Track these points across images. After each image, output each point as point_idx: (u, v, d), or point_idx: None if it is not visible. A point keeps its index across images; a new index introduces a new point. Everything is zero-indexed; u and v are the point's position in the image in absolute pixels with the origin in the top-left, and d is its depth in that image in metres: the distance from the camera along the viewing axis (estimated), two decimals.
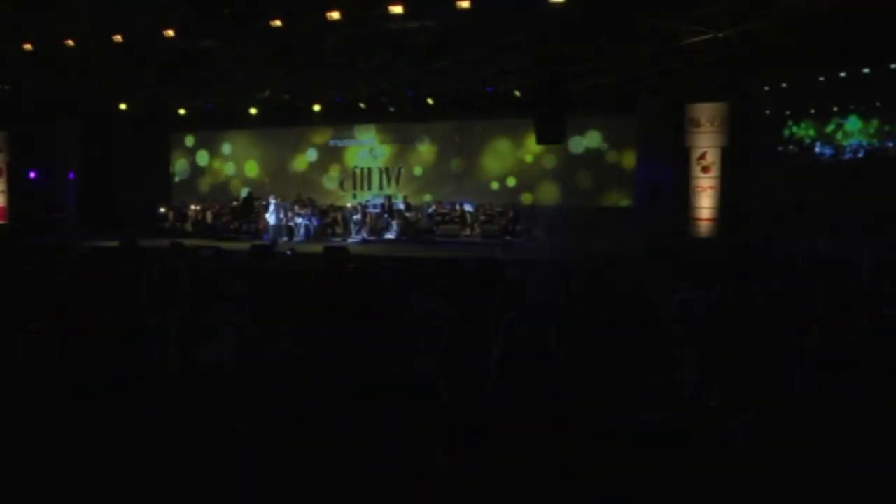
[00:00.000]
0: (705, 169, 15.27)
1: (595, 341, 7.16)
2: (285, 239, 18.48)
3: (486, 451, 4.23)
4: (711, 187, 15.28)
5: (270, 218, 18.28)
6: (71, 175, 21.11)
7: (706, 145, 15.26)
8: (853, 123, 13.19)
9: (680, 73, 14.97)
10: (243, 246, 16.36)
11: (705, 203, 15.34)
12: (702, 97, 15.25)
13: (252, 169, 22.83)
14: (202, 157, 23.45)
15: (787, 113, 14.11)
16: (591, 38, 12.50)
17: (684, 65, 14.45)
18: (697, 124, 15.25)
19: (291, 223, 19.39)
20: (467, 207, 19.36)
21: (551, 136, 11.66)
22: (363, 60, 15.19)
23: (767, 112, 14.27)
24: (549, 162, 19.32)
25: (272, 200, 18.76)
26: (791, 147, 14.06)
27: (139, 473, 3.93)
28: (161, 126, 22.17)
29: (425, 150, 20.76)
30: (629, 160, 18.31)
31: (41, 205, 20.48)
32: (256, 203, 20.43)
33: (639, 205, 16.85)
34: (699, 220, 15.47)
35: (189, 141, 23.48)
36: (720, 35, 12.85)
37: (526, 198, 19.38)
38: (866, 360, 6.08)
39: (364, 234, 19.00)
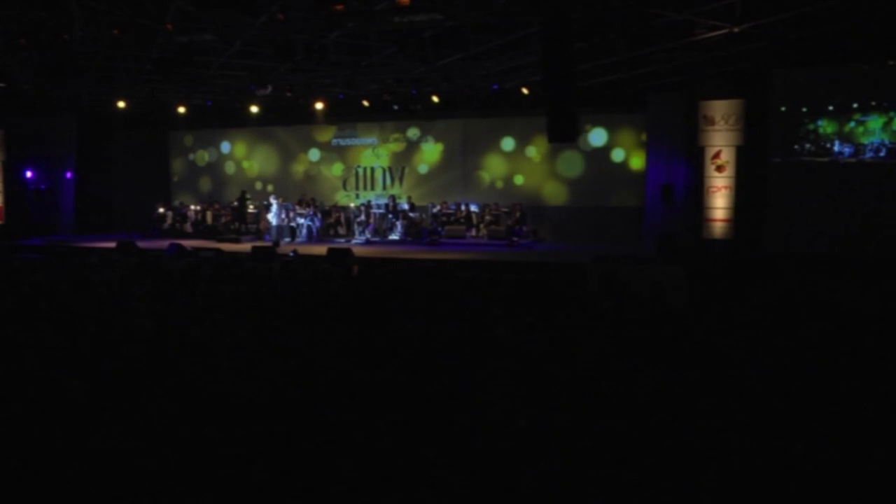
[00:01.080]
0: (720, 168, 14.84)
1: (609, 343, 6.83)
2: (287, 240, 18.09)
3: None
4: (726, 187, 14.85)
5: (272, 219, 17.85)
6: (69, 174, 20.72)
7: (720, 144, 14.82)
8: (875, 121, 12.73)
9: (693, 68, 14.54)
10: (244, 247, 16.03)
11: (719, 203, 14.92)
12: (716, 94, 14.82)
13: (253, 168, 22.43)
14: (202, 157, 23.04)
15: (805, 110, 13.64)
16: (604, 33, 12.10)
17: (698, 60, 14.03)
18: (712, 122, 14.82)
19: (293, 224, 19.01)
20: (473, 208, 18.93)
21: (564, 134, 11.17)
22: (367, 56, 14.79)
23: (783, 109, 13.80)
24: (556, 161, 18.92)
25: (273, 201, 18.35)
26: (809, 146, 13.60)
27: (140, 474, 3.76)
28: (160, 125, 21.76)
29: (430, 149, 20.35)
30: (638, 159, 17.92)
31: (38, 204, 20.12)
32: (256, 203, 20.05)
33: (649, 205, 16.42)
34: (713, 220, 15.04)
35: (189, 140, 23.07)
36: (735, 29, 12.44)
37: (533, 197, 18.99)
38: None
39: (368, 235, 18.58)
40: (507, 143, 19.46)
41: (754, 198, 14.54)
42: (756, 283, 11.94)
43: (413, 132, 20.44)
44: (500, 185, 19.52)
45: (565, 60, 11.22)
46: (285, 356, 5.74)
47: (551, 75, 11.29)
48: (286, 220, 18.90)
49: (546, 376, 5.88)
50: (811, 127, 13.59)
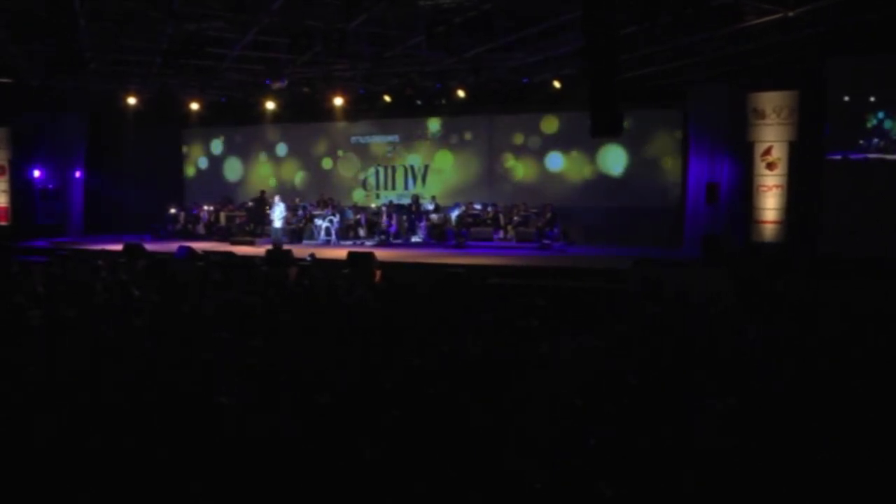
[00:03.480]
0: (770, 166, 13.75)
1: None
2: (286, 239, 17.35)
3: None
4: (777, 186, 13.73)
5: (276, 220, 16.63)
6: (78, 173, 19.97)
7: (771, 139, 13.72)
8: None
9: (741, 57, 13.43)
10: (259, 251, 15.19)
11: (770, 204, 13.81)
12: (767, 85, 13.71)
13: (268, 168, 21.52)
14: (215, 156, 22.16)
15: (872, 100, 12.45)
16: (652, 16, 11.08)
17: (747, 48, 12.93)
18: (762, 115, 13.73)
19: (312, 224, 18.18)
20: (500, 208, 17.89)
21: (608, 128, 10.20)
22: (389, 47, 13.88)
23: (846, 99, 12.64)
24: (586, 159, 17.89)
25: (278, 202, 17.12)
26: (877, 140, 12.42)
27: None
28: (173, 122, 20.90)
29: (455, 146, 19.34)
30: (674, 157, 16.90)
31: (45, 205, 19.39)
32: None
33: (690, 205, 15.33)
34: (762, 222, 13.94)
35: (202, 138, 22.19)
36: (790, 14, 11.37)
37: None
38: None
39: (389, 238, 17.58)
40: (535, 141, 18.45)
41: (809, 197, 13.42)
42: (810, 290, 10.93)
43: (436, 129, 19.45)
44: (526, 184, 18.52)
45: (609, 48, 10.24)
46: (298, 384, 4.75)
47: (594, 64, 10.31)
48: (302, 222, 18.02)
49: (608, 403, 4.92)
50: (879, 118, 12.39)
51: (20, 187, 19.27)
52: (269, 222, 17.97)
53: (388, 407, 4.42)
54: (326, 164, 20.79)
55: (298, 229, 18.33)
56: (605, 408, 4.81)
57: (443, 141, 19.48)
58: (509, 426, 4.24)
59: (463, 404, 4.65)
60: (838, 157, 12.92)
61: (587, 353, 6.30)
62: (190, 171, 22.51)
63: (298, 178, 21.13)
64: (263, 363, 5.08)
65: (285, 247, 15.50)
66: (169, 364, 4.95)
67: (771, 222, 13.86)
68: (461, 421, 4.40)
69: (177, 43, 13.13)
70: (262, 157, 21.60)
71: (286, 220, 17.41)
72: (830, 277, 11.51)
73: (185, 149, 22.41)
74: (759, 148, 13.88)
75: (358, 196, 20.13)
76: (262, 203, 19.20)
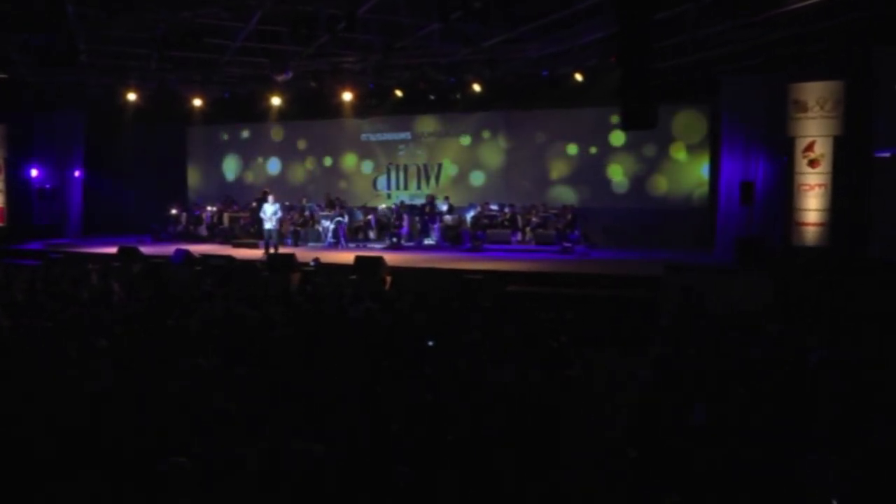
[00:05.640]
0: (813, 163, 12.70)
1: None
2: (292, 243, 16.83)
3: None
4: (820, 185, 12.68)
5: (266, 221, 15.58)
6: (77, 173, 19.19)
7: (814, 134, 12.67)
8: None
9: (781, 44, 12.41)
10: (261, 253, 14.37)
11: (812, 205, 12.75)
12: (809, 75, 12.68)
13: (274, 167, 20.63)
14: (218, 155, 21.30)
15: None
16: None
17: (788, 34, 11.91)
18: (803, 108, 12.67)
19: (318, 226, 17.30)
20: (518, 209, 16.92)
21: (641, 119, 9.28)
22: (400, 37, 12.99)
23: None
24: (611, 156, 16.87)
25: (272, 201, 15.99)
26: None
27: None
28: (175, 120, 20.06)
29: (469, 144, 18.39)
30: (701, 154, 15.99)
31: (43, 205, 18.66)
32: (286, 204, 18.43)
33: (723, 206, 14.31)
34: (804, 224, 12.89)
35: (205, 136, 21.33)
36: None
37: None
38: None
39: (401, 240, 16.65)
40: (553, 138, 17.48)
41: (855, 197, 12.38)
42: (860, 298, 10.01)
43: (451, 126, 18.51)
44: (545, 184, 17.57)
45: (644, 33, 9.30)
46: (285, 430, 3.83)
47: (627, 51, 9.38)
48: (309, 223, 17.14)
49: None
50: None
51: (17, 187, 18.50)
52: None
53: (396, 462, 3.50)
54: (334, 162, 19.89)
55: (299, 230, 17.51)
56: (665, 459, 3.87)
57: (457, 138, 18.53)
58: (551, 494, 3.31)
59: (490, 456, 3.72)
60: (888, 153, 11.89)
61: (631, 381, 5.38)
62: (192, 170, 21.65)
63: (305, 177, 20.25)
64: (244, 401, 4.16)
65: (288, 250, 14.65)
66: (126, 402, 4.03)
67: (813, 224, 12.80)
68: (489, 481, 3.48)
69: (173, 33, 12.27)
70: (267, 155, 20.73)
71: (289, 221, 16.55)
72: (880, 284, 10.57)
73: (187, 147, 21.56)
74: (801, 143, 12.82)
75: (368, 196, 19.21)
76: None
